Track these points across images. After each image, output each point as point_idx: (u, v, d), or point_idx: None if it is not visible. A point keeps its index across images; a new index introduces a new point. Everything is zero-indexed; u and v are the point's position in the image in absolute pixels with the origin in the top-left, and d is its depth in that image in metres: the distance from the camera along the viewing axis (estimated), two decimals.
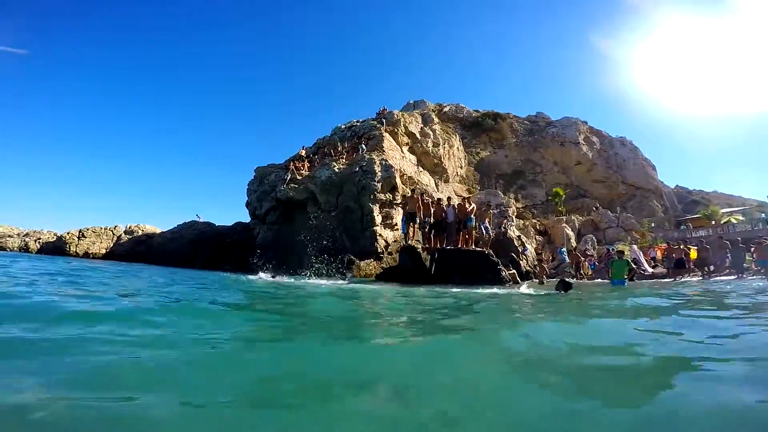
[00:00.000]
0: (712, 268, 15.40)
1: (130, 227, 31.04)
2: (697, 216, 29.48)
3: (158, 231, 30.54)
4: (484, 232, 14.03)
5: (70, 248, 27.75)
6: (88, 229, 29.53)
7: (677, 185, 39.39)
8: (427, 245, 12.94)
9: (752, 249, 15.03)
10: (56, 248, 28.09)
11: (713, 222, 26.78)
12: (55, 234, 31.76)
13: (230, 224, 27.16)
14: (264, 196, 21.39)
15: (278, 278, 10.30)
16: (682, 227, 27.54)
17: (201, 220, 28.57)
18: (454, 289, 7.83)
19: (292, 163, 21.01)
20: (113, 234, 30.04)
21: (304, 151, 22.47)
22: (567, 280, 7.67)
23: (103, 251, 28.16)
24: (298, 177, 19.61)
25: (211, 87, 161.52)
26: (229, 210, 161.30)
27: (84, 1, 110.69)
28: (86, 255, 27.31)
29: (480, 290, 7.79)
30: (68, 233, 29.26)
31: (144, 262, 22.66)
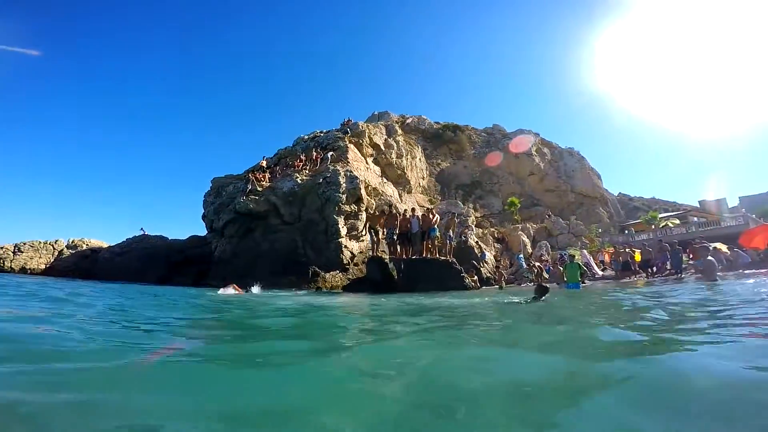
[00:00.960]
0: (654, 269, 16.58)
1: (73, 241, 28.78)
2: (639, 221, 31.91)
3: (105, 245, 28.59)
4: (447, 241, 14.42)
5: (4, 264, 25.32)
6: (24, 244, 27.08)
7: (620, 192, 42.51)
8: (393, 255, 13.09)
9: (687, 251, 16.33)
10: None
11: (653, 226, 29.07)
12: None
13: (184, 238, 26.02)
14: (222, 208, 20.70)
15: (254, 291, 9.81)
16: (625, 232, 29.67)
17: (145, 234, 27.32)
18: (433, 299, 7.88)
19: (252, 174, 20.49)
20: (54, 248, 27.72)
21: (264, 162, 22.00)
22: (544, 285, 7.71)
23: (43, 266, 25.95)
24: (259, 188, 19.15)
25: (160, 95, 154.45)
26: (182, 224, 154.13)
27: None
28: (23, 271, 25.06)
29: (456, 300, 7.84)
30: (1, 248, 26.68)
31: (89, 278, 21.11)
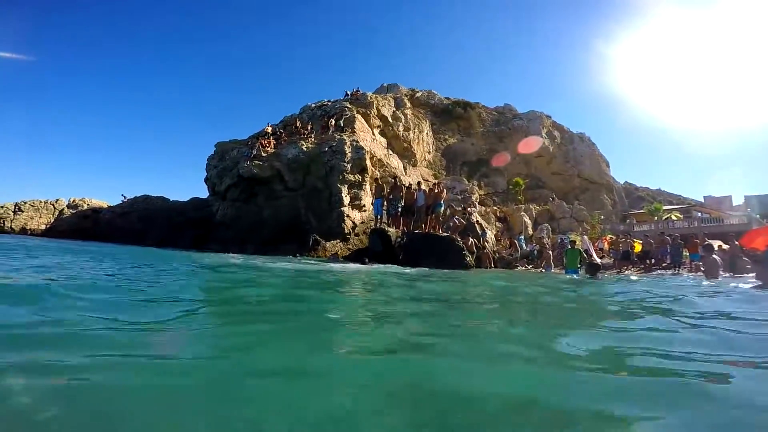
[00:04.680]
0: (653, 260, 16.51)
1: (74, 201, 28.66)
2: (642, 211, 31.69)
3: (106, 205, 28.50)
4: (456, 222, 14.29)
5: (4, 224, 25.30)
6: (25, 203, 26.98)
7: (626, 181, 42.10)
8: (395, 228, 13.00)
9: (688, 245, 16.24)
10: None
11: (655, 218, 28.87)
12: None
13: (185, 200, 25.91)
14: (225, 172, 20.51)
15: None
16: (627, 221, 29.50)
17: (126, 200, 27.17)
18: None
19: (258, 140, 20.19)
20: (54, 208, 27.66)
21: (270, 128, 21.61)
22: (595, 262, 8.37)
23: (43, 227, 25.93)
24: (263, 154, 18.91)
25: (166, 58, 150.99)
26: (183, 185, 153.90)
27: None
28: (23, 231, 25.07)
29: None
30: (2, 207, 26.56)
31: (89, 239, 21.10)
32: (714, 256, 9.80)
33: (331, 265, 9.60)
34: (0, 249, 8.67)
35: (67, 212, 27.39)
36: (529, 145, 32.21)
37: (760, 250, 13.53)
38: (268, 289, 4.70)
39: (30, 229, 25.54)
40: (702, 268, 11.70)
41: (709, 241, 13.29)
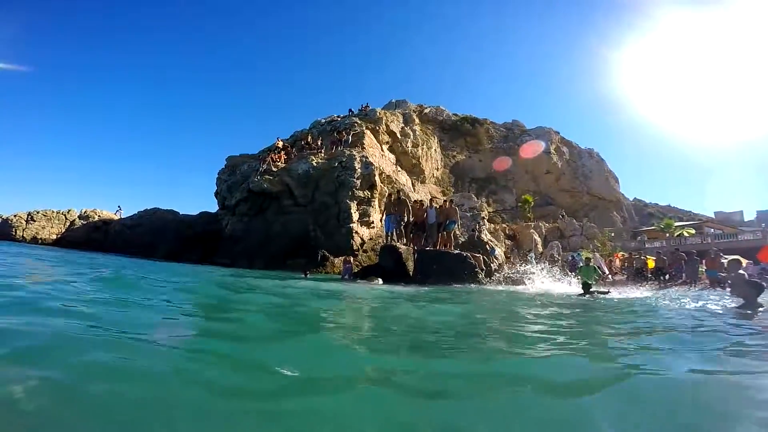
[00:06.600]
0: (667, 276, 16.29)
1: (85, 212, 28.96)
2: (653, 228, 31.33)
3: (116, 217, 28.78)
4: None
5: (16, 232, 25.52)
6: (38, 212, 27.26)
7: (635, 198, 41.81)
8: (405, 244, 12.90)
9: (703, 261, 16.03)
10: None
11: (667, 234, 28.50)
12: None
13: (195, 213, 26.03)
14: (235, 186, 20.63)
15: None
16: (638, 238, 29.16)
17: (122, 213, 27.65)
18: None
19: (268, 154, 20.35)
20: (66, 218, 27.90)
21: (280, 143, 21.80)
22: (589, 282, 9.16)
23: (54, 237, 26.13)
24: (274, 169, 19.02)
25: (175, 71, 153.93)
26: (193, 199, 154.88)
27: None
28: (34, 240, 25.26)
29: None
30: (15, 216, 26.86)
31: (99, 250, 21.23)
32: (741, 271, 9.47)
33: (365, 286, 9.05)
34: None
35: (78, 223, 27.61)
36: (530, 150, 32.18)
37: None
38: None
39: (41, 239, 25.71)
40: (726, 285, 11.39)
41: (736, 256, 12.99)
